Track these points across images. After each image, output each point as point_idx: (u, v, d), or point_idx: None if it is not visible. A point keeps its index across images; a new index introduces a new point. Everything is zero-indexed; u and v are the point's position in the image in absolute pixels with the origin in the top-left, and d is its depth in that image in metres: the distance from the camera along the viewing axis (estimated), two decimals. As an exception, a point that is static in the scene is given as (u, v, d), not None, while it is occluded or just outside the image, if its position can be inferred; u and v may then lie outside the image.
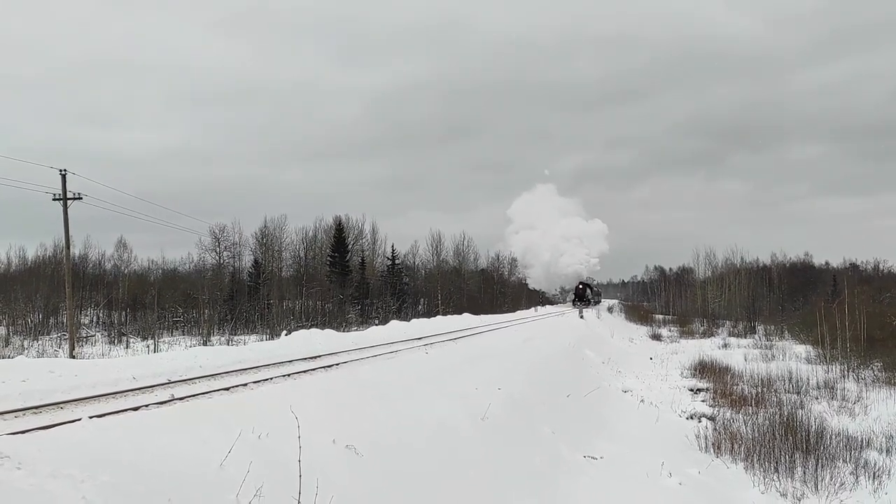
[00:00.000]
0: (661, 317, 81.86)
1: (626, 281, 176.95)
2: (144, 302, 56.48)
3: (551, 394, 17.22)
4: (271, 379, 12.34)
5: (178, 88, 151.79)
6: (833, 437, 14.63)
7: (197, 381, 12.08)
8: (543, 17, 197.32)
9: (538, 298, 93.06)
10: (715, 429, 15.97)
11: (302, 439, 7.04)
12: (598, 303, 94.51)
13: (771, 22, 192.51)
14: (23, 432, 7.00)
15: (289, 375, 12.86)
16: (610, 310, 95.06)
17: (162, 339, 45.84)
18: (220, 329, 52.10)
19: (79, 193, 30.56)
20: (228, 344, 38.71)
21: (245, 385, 11.43)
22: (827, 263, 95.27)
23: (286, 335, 23.88)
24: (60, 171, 29.97)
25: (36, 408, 9.15)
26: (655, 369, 29.74)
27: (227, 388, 11.03)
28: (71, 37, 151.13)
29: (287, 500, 6.35)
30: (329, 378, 12.28)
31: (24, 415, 8.77)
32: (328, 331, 25.14)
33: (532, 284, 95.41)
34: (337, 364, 15.34)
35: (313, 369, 14.20)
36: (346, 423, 9.58)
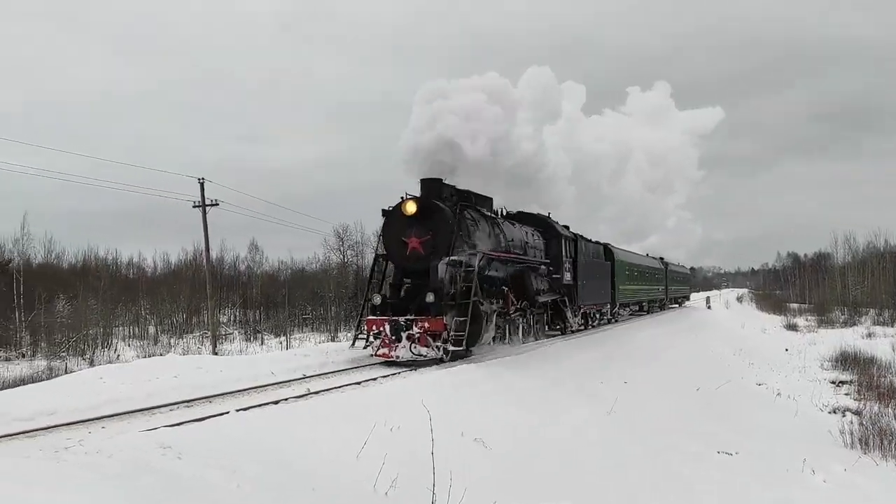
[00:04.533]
0: (795, 306, 77.17)
1: (755, 269, 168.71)
2: (276, 300, 59.31)
3: (679, 387, 16.75)
4: (400, 373, 12.70)
5: (335, 107, 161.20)
6: None
7: (330, 375, 12.63)
8: (662, 24, 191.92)
9: None
10: (861, 423, 14.98)
11: (431, 432, 7.22)
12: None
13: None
14: (179, 424, 7.59)
15: (415, 369, 13.19)
16: (739, 299, 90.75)
17: (293, 336, 47.95)
18: (346, 325, 53.91)
19: (216, 200, 32.55)
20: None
21: (374, 379, 11.83)
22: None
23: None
24: (199, 179, 32.04)
25: (188, 401, 9.88)
26: (792, 361, 28.20)
27: (359, 383, 11.46)
28: (243, 65, 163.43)
29: (421, 490, 6.54)
30: (453, 372, 12.48)
31: (177, 408, 9.49)
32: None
33: None
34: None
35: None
36: (473, 415, 9.74)
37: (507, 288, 16.96)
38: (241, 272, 69.54)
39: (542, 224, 21.87)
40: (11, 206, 69.90)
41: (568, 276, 22.20)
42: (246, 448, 6.34)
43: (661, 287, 45.12)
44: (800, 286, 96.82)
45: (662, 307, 46.00)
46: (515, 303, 17.55)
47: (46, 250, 53.97)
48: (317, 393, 10.40)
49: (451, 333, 13.65)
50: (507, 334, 17.40)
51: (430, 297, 13.63)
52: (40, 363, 34.13)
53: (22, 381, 21.70)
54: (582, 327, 24.98)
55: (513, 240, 17.97)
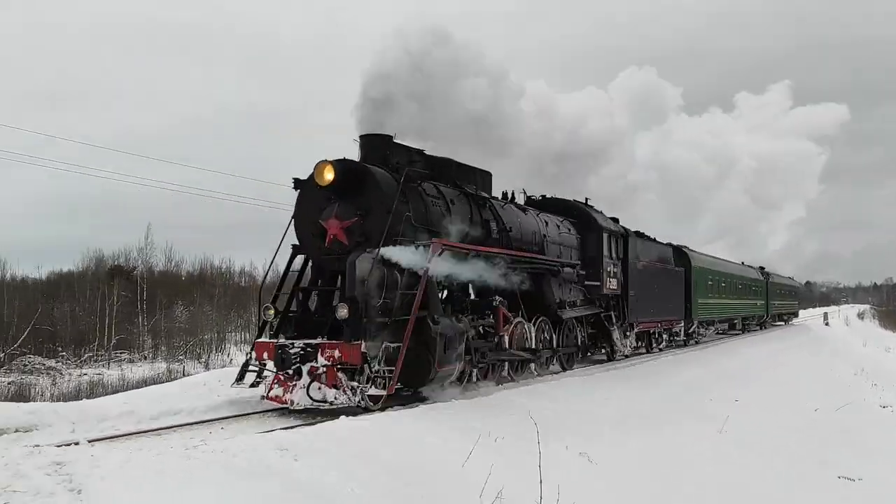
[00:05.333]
0: (925, 323, 72.00)
1: (878, 284, 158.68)
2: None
3: (796, 407, 15.98)
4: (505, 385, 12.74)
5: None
6: None
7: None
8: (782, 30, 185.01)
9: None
10: None
11: (538, 444, 7.20)
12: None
13: None
14: (293, 427, 7.91)
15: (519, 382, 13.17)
16: (860, 316, 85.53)
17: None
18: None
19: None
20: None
21: (478, 390, 11.91)
22: None
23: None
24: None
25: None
26: (920, 383, 26.33)
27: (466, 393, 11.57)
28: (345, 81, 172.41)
29: (528, 503, 6.54)
30: (562, 385, 12.42)
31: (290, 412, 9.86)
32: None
33: None
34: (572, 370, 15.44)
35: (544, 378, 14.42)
36: (577, 429, 9.65)
37: (500, 298, 12.16)
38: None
39: (574, 213, 16.92)
40: (137, 218, 74.78)
41: (612, 284, 17.34)
42: (357, 453, 6.54)
43: (761, 301, 39.51)
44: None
45: (763, 325, 40.84)
46: (512, 320, 12.55)
47: (167, 259, 57.14)
48: (421, 401, 10.58)
49: (378, 368, 9.12)
50: (505, 368, 12.65)
51: (341, 312, 9.29)
52: (160, 365, 36.24)
53: (144, 382, 23.15)
54: (643, 350, 20.71)
55: (512, 229, 13.10)
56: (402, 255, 9.83)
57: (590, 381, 13.65)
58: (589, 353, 17.51)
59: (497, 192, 14.29)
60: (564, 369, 15.10)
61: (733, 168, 40.79)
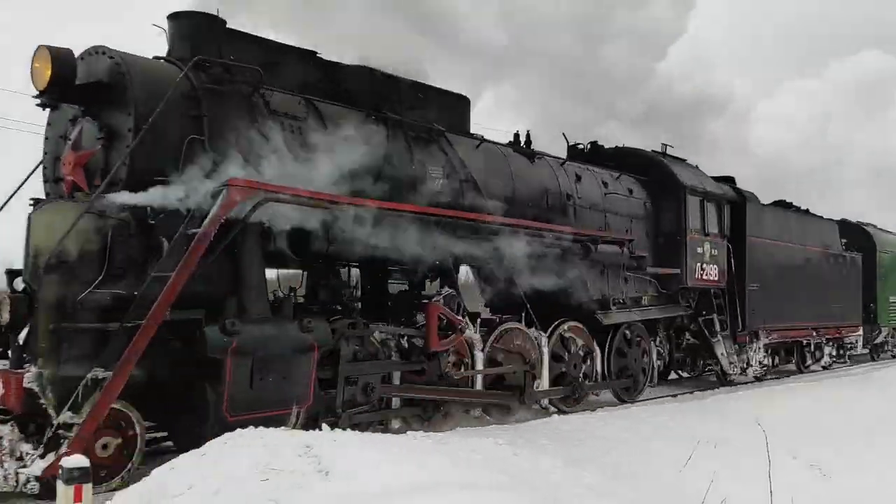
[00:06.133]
0: None
1: None
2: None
3: None
4: (717, 390, 12.28)
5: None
6: None
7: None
8: None
9: None
10: None
11: (767, 450, 6.82)
12: None
13: None
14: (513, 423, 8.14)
15: (736, 386, 12.63)
16: None
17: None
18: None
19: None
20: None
21: (691, 393, 11.60)
22: None
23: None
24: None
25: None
26: None
27: (674, 396, 11.32)
28: None
29: (758, 515, 6.24)
30: (788, 389, 11.72)
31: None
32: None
33: None
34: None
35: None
36: (805, 438, 9.03)
37: (450, 290, 8.16)
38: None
39: (640, 167, 11.66)
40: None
41: (708, 273, 11.75)
42: (575, 447, 6.62)
43: None
44: None
45: None
46: (461, 326, 7.91)
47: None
48: (633, 403, 10.44)
49: (70, 419, 5.09)
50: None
51: (3, 314, 5.53)
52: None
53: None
54: (792, 367, 15.71)
55: (479, 180, 8.38)
56: (155, 201, 5.68)
57: (813, 385, 12.73)
58: (694, 373, 13.81)
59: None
60: (622, 401, 10.48)
61: None
